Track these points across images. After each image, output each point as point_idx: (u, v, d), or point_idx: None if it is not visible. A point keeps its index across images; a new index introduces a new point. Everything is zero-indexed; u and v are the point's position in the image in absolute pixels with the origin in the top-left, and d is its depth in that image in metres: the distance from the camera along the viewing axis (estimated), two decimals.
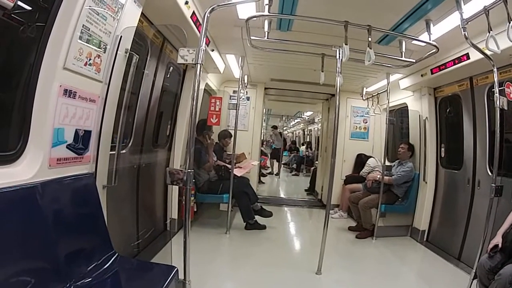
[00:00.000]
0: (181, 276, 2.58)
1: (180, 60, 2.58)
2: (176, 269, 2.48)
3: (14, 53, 2.09)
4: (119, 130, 2.90)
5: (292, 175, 15.03)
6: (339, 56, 3.88)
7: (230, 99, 7.06)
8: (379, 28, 3.63)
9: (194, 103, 2.63)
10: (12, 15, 1.86)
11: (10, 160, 1.99)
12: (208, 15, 2.66)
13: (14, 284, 1.73)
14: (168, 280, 2.31)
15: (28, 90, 2.07)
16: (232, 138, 5.91)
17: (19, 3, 1.83)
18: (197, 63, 2.55)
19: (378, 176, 5.82)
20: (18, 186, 1.89)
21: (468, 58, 4.00)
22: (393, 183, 5.70)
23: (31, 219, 1.92)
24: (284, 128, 22.06)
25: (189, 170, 2.55)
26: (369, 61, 3.47)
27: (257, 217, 5.64)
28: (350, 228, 5.98)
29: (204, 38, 2.61)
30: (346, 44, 3.51)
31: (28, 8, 1.98)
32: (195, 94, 2.61)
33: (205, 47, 2.61)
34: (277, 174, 14.20)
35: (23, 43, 2.04)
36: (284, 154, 18.78)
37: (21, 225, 1.86)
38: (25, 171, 2.01)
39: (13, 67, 2.09)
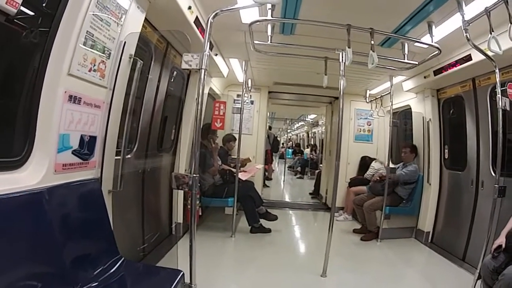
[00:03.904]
0: (187, 280, 2.59)
1: (184, 66, 2.58)
2: (182, 272, 2.48)
3: (18, 59, 2.10)
4: (124, 135, 2.90)
5: (297, 178, 14.98)
6: (342, 59, 3.88)
7: (234, 103, 7.03)
8: (382, 31, 3.63)
9: (199, 108, 2.63)
10: (15, 20, 1.86)
11: (16, 166, 2.00)
12: (212, 20, 2.67)
13: None
14: (174, 284, 2.31)
15: (33, 96, 2.07)
16: (237, 142, 5.91)
17: (22, 8, 1.81)
18: (201, 68, 2.56)
19: (384, 173, 5.83)
20: (24, 192, 1.89)
21: (470, 59, 4.01)
22: (399, 179, 5.67)
23: (37, 224, 1.93)
24: (288, 131, 22.03)
25: (194, 175, 2.55)
26: (372, 64, 3.46)
27: (262, 221, 5.63)
28: (355, 231, 5.98)
29: (208, 43, 2.62)
30: (349, 47, 3.51)
31: (31, 13, 1.99)
32: (199, 99, 2.62)
33: (209, 52, 2.62)
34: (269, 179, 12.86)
35: (27, 49, 2.05)
36: (288, 156, 18.74)
37: (27, 230, 1.87)
38: (31, 176, 2.02)
39: (17, 73, 2.10)
